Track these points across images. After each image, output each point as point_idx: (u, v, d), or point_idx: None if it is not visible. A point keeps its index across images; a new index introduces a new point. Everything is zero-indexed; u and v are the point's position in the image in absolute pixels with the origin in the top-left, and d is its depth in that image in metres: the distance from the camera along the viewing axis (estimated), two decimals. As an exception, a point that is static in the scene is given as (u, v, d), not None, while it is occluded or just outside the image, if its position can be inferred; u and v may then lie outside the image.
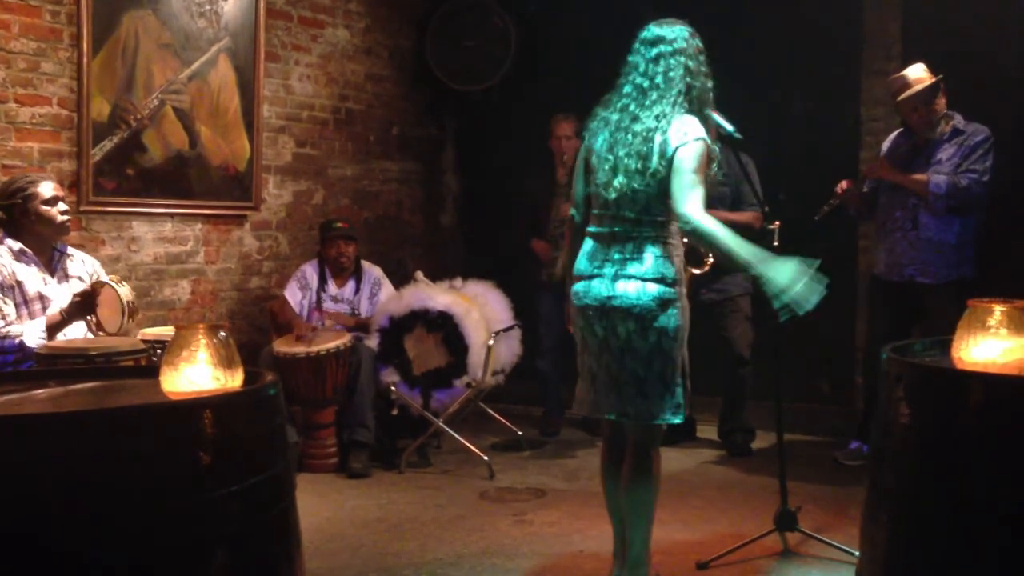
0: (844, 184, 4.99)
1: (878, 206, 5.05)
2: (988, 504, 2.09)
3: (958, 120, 4.86)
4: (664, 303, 3.12)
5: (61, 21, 4.83)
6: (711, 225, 3.00)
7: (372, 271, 5.80)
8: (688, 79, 3.13)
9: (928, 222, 4.82)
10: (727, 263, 3.15)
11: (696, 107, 3.15)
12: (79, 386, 2.37)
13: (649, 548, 3.26)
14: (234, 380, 2.04)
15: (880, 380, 2.42)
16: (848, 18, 5.95)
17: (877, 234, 5.10)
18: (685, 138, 3.05)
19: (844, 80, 5.94)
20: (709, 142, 3.11)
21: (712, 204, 5.11)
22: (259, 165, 5.90)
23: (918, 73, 4.84)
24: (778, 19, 6.02)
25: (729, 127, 3.49)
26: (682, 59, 3.14)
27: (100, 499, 1.77)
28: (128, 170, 5.17)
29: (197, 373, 2.00)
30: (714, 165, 3.21)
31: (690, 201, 3.01)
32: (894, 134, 5.18)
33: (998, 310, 2.24)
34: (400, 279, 6.05)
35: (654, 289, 3.11)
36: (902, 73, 4.90)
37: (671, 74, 3.13)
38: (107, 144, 5.04)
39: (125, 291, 4.07)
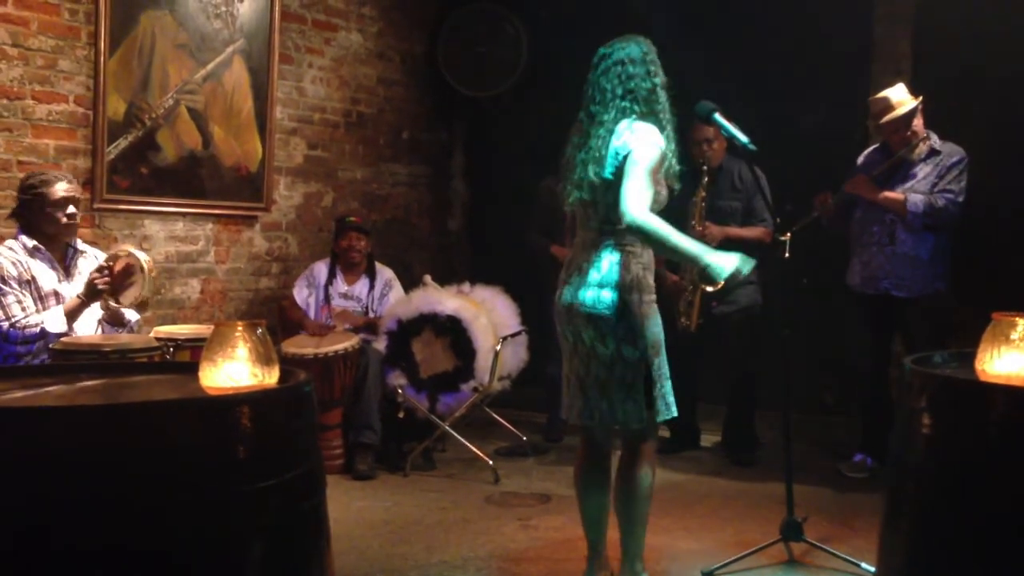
0: (824, 197, 5.04)
1: (854, 220, 5.11)
2: (1011, 514, 2.12)
3: (934, 140, 4.93)
4: (621, 310, 3.16)
5: (79, 19, 4.86)
6: (653, 223, 3.05)
7: (384, 271, 5.82)
8: (632, 83, 3.21)
9: (905, 238, 4.89)
10: (675, 257, 3.27)
11: (646, 109, 3.21)
12: (90, 383, 2.36)
13: (643, 548, 3.34)
14: (271, 377, 2.07)
15: (901, 390, 2.45)
16: (858, 33, 6.01)
17: (852, 247, 5.16)
18: (636, 143, 3.12)
19: (854, 94, 5.98)
20: (662, 148, 3.15)
21: (723, 217, 5.25)
22: (271, 166, 5.93)
23: (900, 95, 4.90)
24: (789, 33, 6.06)
25: (744, 138, 3.54)
26: (619, 68, 3.22)
27: (141, 491, 1.79)
28: (142, 169, 5.19)
29: (236, 369, 2.03)
30: (672, 167, 3.24)
31: (633, 200, 3.05)
32: (868, 150, 5.25)
33: (1021, 324, 2.28)
34: (408, 283, 6.07)
35: (608, 296, 3.17)
36: (884, 94, 4.94)
37: (613, 83, 3.22)
38: (122, 143, 5.07)
39: (144, 257, 4.11)
